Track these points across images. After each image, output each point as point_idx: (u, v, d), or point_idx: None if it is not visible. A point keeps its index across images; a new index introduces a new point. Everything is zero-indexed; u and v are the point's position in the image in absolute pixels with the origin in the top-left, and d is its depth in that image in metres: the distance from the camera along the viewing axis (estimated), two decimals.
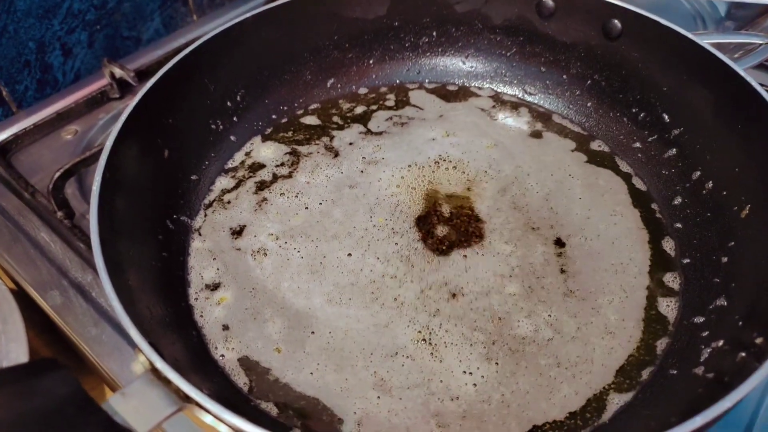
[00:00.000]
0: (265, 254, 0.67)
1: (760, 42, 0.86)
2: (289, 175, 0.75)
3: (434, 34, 0.86)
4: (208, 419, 0.41)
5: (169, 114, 0.69)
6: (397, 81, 0.88)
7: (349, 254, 0.67)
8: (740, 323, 0.55)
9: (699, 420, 0.39)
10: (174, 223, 0.68)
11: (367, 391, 0.56)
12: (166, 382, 0.42)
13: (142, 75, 0.89)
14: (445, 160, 0.76)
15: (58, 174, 0.72)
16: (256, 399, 0.56)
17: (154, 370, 0.43)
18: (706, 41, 0.69)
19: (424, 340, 0.59)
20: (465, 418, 0.54)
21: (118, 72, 0.89)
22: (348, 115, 0.83)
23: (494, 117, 0.83)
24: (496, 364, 0.57)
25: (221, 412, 0.40)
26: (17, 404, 0.34)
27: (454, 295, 0.63)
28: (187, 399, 0.42)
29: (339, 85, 0.86)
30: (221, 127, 0.77)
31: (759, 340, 0.50)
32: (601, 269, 0.65)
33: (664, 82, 0.73)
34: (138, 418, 0.40)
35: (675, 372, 0.56)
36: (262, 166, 0.76)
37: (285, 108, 0.83)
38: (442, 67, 0.88)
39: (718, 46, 0.82)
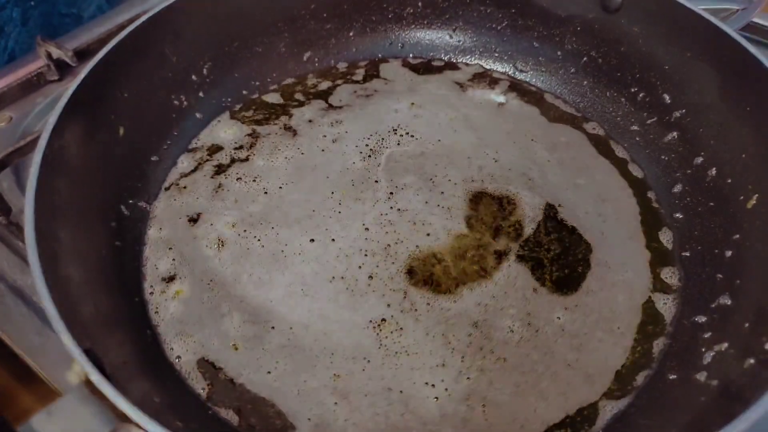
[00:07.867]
0: (224, 243, 0.61)
1: (737, 8, 0.81)
2: (246, 159, 0.69)
3: (419, 4, 0.80)
4: None
5: (123, 87, 0.62)
6: (379, 55, 0.81)
7: (312, 240, 0.61)
8: (746, 325, 0.50)
9: None
10: (130, 208, 0.61)
11: (325, 396, 0.51)
12: (103, 396, 0.37)
13: (83, 55, 0.80)
14: (403, 129, 0.72)
15: None
16: (215, 406, 0.50)
17: (89, 383, 0.37)
18: None
19: (387, 332, 0.55)
20: None
21: (55, 52, 0.79)
22: (311, 91, 0.77)
23: (466, 90, 0.77)
24: (468, 379, 0.52)
25: None
26: None
27: (426, 284, 0.58)
28: (125, 417, 0.36)
29: (316, 59, 0.80)
30: (185, 103, 0.70)
31: None
32: (591, 262, 0.60)
33: (665, 59, 0.67)
34: None
35: (674, 377, 0.52)
36: (220, 148, 0.70)
37: (257, 83, 0.76)
38: (428, 41, 0.82)
39: None
